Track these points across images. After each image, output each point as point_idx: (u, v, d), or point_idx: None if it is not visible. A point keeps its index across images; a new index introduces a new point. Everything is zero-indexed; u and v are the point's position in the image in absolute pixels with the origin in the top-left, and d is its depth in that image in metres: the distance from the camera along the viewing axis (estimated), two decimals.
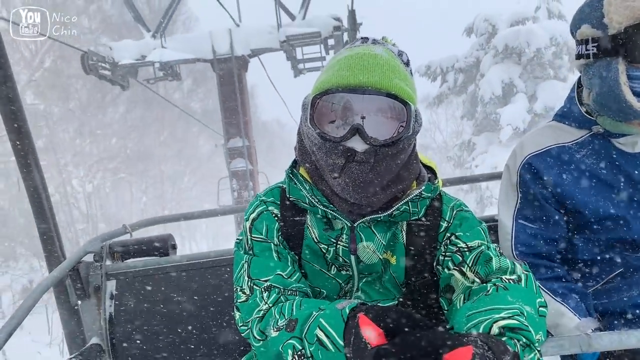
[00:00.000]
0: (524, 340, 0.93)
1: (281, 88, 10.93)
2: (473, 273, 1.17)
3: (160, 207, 27.17)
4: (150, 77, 8.52)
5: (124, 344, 1.94)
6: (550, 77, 13.08)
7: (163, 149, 26.26)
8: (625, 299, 1.47)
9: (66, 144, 19.77)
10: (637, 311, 1.46)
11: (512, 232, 1.54)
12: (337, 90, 1.12)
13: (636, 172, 1.41)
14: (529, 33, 12.81)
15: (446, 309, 1.24)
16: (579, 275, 1.55)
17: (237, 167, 9.06)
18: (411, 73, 1.24)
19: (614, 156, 1.43)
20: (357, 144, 1.13)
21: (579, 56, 1.38)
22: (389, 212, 1.22)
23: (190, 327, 1.93)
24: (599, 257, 1.49)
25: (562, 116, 1.54)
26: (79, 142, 20.37)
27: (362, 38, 1.28)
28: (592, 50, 1.32)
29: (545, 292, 1.45)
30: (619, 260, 1.46)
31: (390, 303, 1.32)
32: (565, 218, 1.50)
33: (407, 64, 1.24)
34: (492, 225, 1.74)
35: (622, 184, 1.42)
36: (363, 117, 1.13)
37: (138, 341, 1.94)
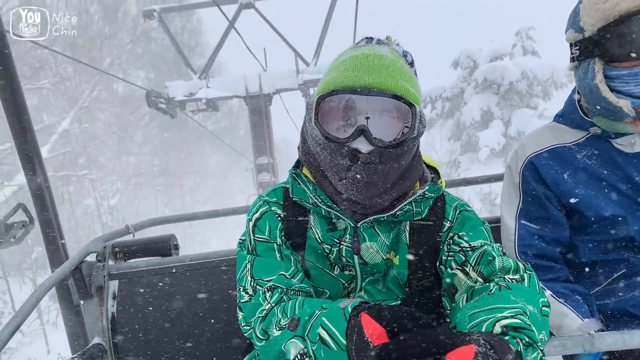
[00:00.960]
0: (527, 339, 0.93)
1: (290, 109, 12.95)
2: (476, 272, 1.17)
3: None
4: (194, 109, 10.96)
5: (126, 344, 1.94)
6: (523, 106, 15.33)
7: (183, 167, 28.49)
8: (628, 299, 1.46)
9: (103, 162, 21.87)
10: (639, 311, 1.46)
11: (514, 233, 1.54)
12: (342, 91, 1.12)
13: (635, 172, 1.41)
14: (503, 69, 15.08)
15: (449, 308, 1.24)
16: (582, 276, 1.55)
17: (263, 180, 11.41)
18: (415, 74, 1.24)
19: (614, 156, 1.43)
20: (362, 145, 1.13)
21: (570, 60, 1.42)
22: (393, 212, 1.22)
23: (192, 327, 1.93)
24: (601, 258, 1.49)
25: (561, 117, 1.55)
26: (105, 160, 22.53)
27: (366, 38, 1.27)
28: (576, 53, 1.37)
29: (548, 292, 1.44)
30: (621, 261, 1.46)
31: (393, 303, 1.32)
32: (566, 218, 1.51)
33: (411, 64, 1.24)
34: (495, 226, 1.73)
35: (622, 184, 1.43)
36: (367, 117, 1.13)
37: (140, 341, 1.93)
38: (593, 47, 1.30)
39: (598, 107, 1.37)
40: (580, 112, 1.48)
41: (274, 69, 11.37)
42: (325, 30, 11.41)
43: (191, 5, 11.14)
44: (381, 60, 1.14)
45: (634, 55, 1.24)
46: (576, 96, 1.52)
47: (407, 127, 1.16)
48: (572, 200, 1.46)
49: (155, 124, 24.42)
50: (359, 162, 1.13)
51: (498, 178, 2.38)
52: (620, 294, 1.48)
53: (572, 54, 1.39)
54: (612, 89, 1.31)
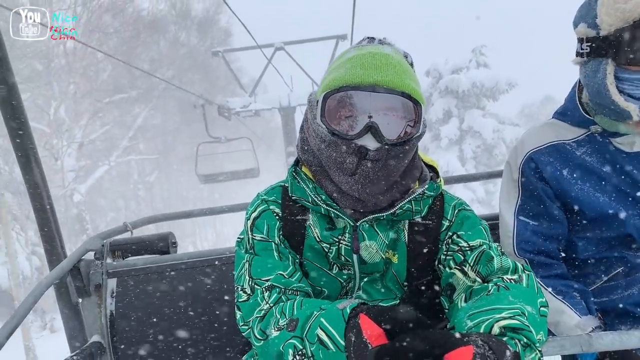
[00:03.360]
0: (525, 340, 0.93)
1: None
2: (474, 272, 1.17)
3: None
4: (244, 115, 15.71)
5: (125, 342, 1.94)
6: (474, 107, 20.50)
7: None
8: (625, 297, 1.47)
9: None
10: (638, 309, 1.46)
11: (513, 229, 1.53)
12: (350, 88, 1.12)
13: (635, 171, 1.41)
14: (458, 81, 20.34)
15: (447, 308, 1.24)
16: (580, 273, 1.55)
17: (291, 162, 15.17)
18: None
19: (613, 155, 1.43)
20: (370, 142, 1.13)
21: (577, 54, 1.38)
22: (392, 210, 1.22)
23: (190, 326, 1.93)
24: (599, 256, 1.49)
25: (561, 114, 1.54)
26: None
27: (368, 38, 1.28)
28: (586, 49, 1.33)
29: (546, 289, 1.44)
30: (618, 258, 1.46)
31: (392, 302, 1.32)
32: (565, 215, 1.50)
33: (411, 65, 1.24)
34: (494, 224, 1.73)
35: (621, 182, 1.42)
36: (370, 116, 1.13)
37: (139, 339, 1.94)
38: (607, 47, 1.26)
39: (603, 107, 1.35)
40: (581, 109, 1.46)
41: (297, 90, 16.06)
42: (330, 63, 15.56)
43: (242, 47, 16.41)
44: (388, 59, 1.14)
45: None
46: (577, 93, 1.50)
47: (410, 125, 1.16)
48: (571, 197, 1.45)
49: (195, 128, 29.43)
50: (366, 160, 1.13)
51: (497, 175, 2.37)
52: (618, 291, 1.49)
53: (581, 49, 1.34)
54: (620, 91, 1.28)
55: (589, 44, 1.31)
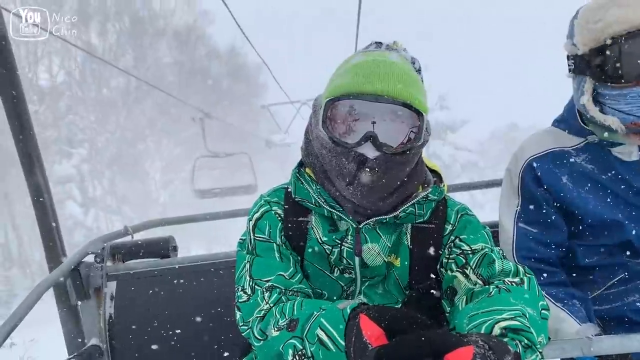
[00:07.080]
0: (526, 341, 0.93)
1: None
2: (476, 275, 1.17)
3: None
4: (281, 145, 20.78)
5: (124, 346, 1.93)
6: (436, 138, 27.71)
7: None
8: (625, 304, 1.47)
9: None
10: (638, 316, 1.46)
11: (513, 236, 1.53)
12: (353, 97, 1.13)
13: (633, 178, 1.42)
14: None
15: (448, 311, 1.24)
16: (580, 280, 1.54)
17: None
18: (422, 80, 1.25)
19: (612, 163, 1.44)
20: (369, 151, 1.14)
21: (568, 70, 1.43)
22: (395, 213, 1.22)
23: (190, 329, 1.93)
24: (599, 263, 1.49)
25: (560, 122, 1.55)
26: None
27: (376, 42, 1.29)
28: (571, 66, 1.37)
29: (546, 297, 1.43)
30: (619, 265, 1.46)
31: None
32: (565, 222, 1.51)
33: (418, 71, 1.25)
34: (494, 232, 1.73)
35: (620, 190, 1.43)
36: (374, 122, 1.14)
37: (137, 343, 1.93)
38: (585, 65, 1.31)
39: (589, 119, 1.39)
40: (579, 119, 1.47)
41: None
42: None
43: (280, 102, 19.68)
44: (392, 68, 1.14)
45: (624, 79, 1.24)
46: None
47: (413, 131, 1.17)
48: (571, 204, 1.46)
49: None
50: (365, 168, 1.14)
51: (498, 183, 2.37)
52: (619, 298, 1.48)
53: (568, 65, 1.39)
54: (603, 104, 1.32)
55: (572, 61, 1.36)
